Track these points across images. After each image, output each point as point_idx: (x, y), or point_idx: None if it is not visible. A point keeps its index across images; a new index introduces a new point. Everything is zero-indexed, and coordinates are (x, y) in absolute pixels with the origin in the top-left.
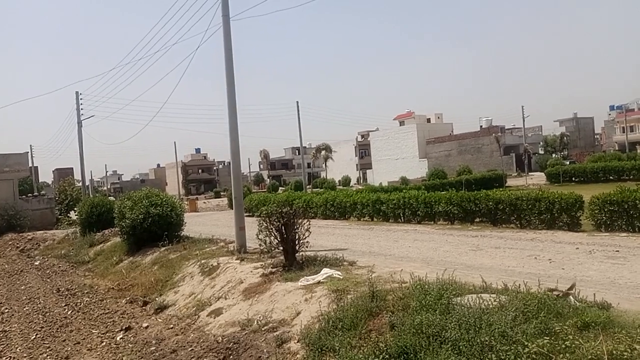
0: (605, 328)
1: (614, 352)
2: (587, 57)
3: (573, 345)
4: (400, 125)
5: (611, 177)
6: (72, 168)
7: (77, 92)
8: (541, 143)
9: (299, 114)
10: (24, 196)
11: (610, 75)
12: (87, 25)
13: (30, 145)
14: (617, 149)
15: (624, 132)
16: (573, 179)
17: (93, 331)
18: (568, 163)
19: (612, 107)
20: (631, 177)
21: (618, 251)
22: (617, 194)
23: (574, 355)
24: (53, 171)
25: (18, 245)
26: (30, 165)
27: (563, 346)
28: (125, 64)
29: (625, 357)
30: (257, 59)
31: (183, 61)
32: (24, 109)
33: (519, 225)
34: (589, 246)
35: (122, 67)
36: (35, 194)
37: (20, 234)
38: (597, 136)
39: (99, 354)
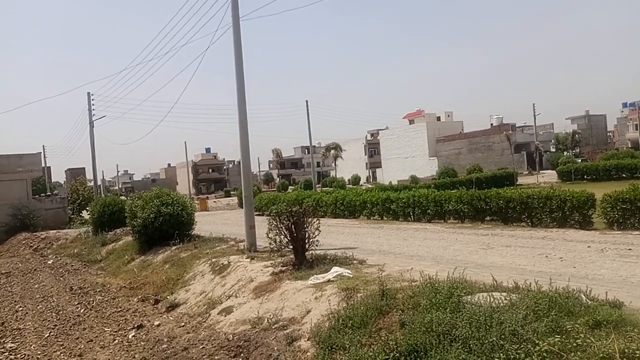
0: (617, 327)
1: (626, 350)
2: (599, 54)
3: (584, 344)
4: (410, 123)
5: (624, 175)
6: (84, 168)
7: (88, 93)
8: (552, 141)
9: (308, 113)
10: (37, 196)
11: (623, 72)
12: (98, 27)
13: (43, 146)
14: (630, 146)
15: (636, 129)
16: (585, 177)
17: (106, 329)
18: (580, 161)
19: (624, 104)
20: None
21: (630, 249)
22: (629, 192)
23: (586, 354)
24: (65, 171)
25: (31, 245)
26: (43, 165)
27: (574, 345)
28: (136, 64)
29: (637, 355)
30: (267, 57)
31: (193, 61)
32: (36, 110)
33: (530, 223)
34: (600, 244)
35: (133, 68)
36: (48, 193)
37: (34, 233)
38: (610, 134)
39: (111, 352)
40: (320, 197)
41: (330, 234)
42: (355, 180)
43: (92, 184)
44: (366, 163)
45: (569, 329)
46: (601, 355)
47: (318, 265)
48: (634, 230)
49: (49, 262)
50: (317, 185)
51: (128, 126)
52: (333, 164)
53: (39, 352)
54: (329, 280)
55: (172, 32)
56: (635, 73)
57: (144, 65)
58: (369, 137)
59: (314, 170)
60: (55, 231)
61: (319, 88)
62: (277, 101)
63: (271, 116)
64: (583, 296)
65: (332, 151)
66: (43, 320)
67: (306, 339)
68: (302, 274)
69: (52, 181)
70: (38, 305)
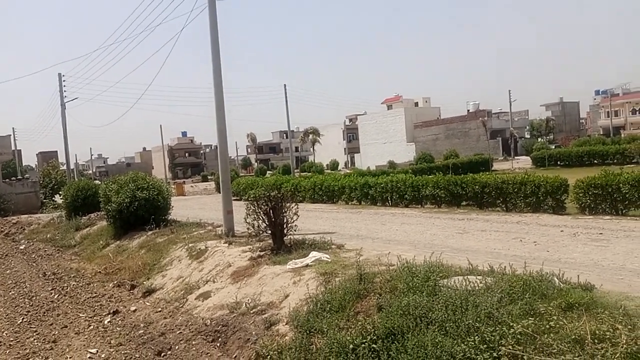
0: (588, 309)
1: (597, 332)
2: (574, 43)
3: (557, 326)
4: (388, 109)
5: (595, 161)
6: (57, 151)
7: (59, 74)
8: (527, 127)
9: (286, 98)
10: (7, 180)
11: (596, 61)
12: (70, 4)
13: (13, 128)
14: (601, 133)
15: (608, 116)
16: (558, 163)
17: (80, 315)
18: (553, 147)
19: (597, 92)
20: (615, 161)
21: (602, 234)
22: (601, 178)
23: (558, 335)
24: (37, 154)
25: (2, 230)
26: (13, 148)
27: (547, 326)
28: (109, 44)
29: (607, 336)
30: (244, 42)
31: (168, 42)
32: (5, 90)
33: (504, 208)
34: (573, 229)
35: (106, 49)
36: (19, 177)
37: (5, 218)
38: (583, 121)
39: (86, 338)
40: (298, 182)
41: (309, 219)
42: (334, 165)
43: (64, 167)
44: (345, 148)
45: (543, 312)
46: (573, 336)
47: (296, 250)
48: (605, 215)
49: (21, 247)
50: (296, 170)
51: (101, 108)
52: (311, 149)
53: (12, 339)
54: (307, 265)
55: (147, 10)
56: (608, 61)
57: (118, 46)
58: (347, 123)
59: (292, 155)
60: (27, 216)
61: (298, 73)
62: (255, 85)
63: (249, 100)
64: (556, 279)
65: (311, 136)
66: (15, 307)
67: (284, 323)
68: (280, 258)
69: (23, 165)
70: (10, 291)
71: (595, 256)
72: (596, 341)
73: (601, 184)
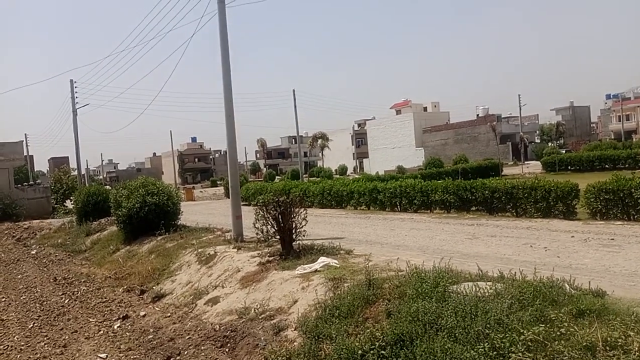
0: (600, 315)
1: (609, 339)
2: (584, 46)
3: (568, 333)
4: (397, 114)
5: (607, 166)
6: (68, 157)
7: (71, 81)
8: (537, 132)
9: (295, 103)
10: (19, 185)
11: (607, 64)
12: (81, 12)
13: (25, 134)
14: (612, 137)
15: (619, 120)
16: (569, 167)
17: (90, 320)
18: (564, 152)
19: (608, 96)
20: (626, 165)
21: (613, 239)
22: (612, 183)
23: (569, 342)
24: (48, 160)
25: (14, 235)
26: (25, 154)
27: (558, 333)
28: (120, 51)
29: (619, 344)
30: (254, 47)
31: (178, 48)
32: (18, 97)
33: (514, 213)
34: (584, 234)
35: (117, 55)
36: (31, 182)
37: (17, 223)
38: (593, 125)
39: (96, 343)
40: (307, 187)
41: (318, 224)
42: (343, 170)
43: (75, 173)
44: (353, 153)
45: (553, 318)
46: (584, 343)
47: (305, 255)
48: (617, 220)
49: (33, 252)
50: (304, 175)
51: (112, 114)
52: (320, 154)
53: (23, 343)
54: (316, 270)
55: (158, 17)
56: (619, 65)
57: (129, 52)
58: (356, 127)
59: (301, 160)
60: (38, 221)
61: (307, 78)
62: (264, 91)
63: (259, 106)
64: (567, 285)
65: (319, 141)
66: (27, 311)
67: (293, 329)
68: (289, 264)
69: (35, 170)
70: (21, 296)
71: (607, 262)
72: (608, 348)
73: (612, 189)
